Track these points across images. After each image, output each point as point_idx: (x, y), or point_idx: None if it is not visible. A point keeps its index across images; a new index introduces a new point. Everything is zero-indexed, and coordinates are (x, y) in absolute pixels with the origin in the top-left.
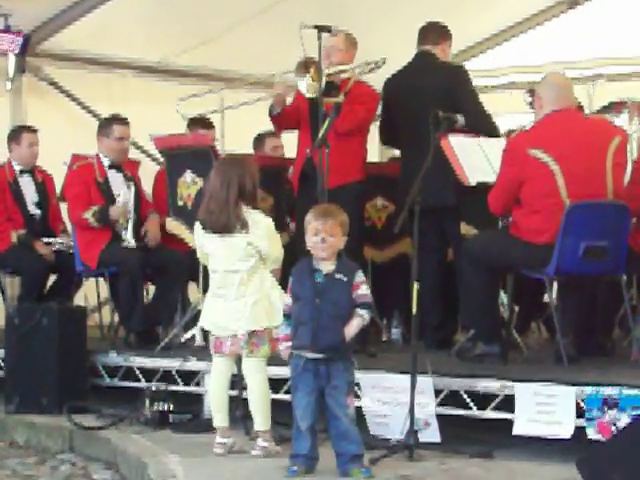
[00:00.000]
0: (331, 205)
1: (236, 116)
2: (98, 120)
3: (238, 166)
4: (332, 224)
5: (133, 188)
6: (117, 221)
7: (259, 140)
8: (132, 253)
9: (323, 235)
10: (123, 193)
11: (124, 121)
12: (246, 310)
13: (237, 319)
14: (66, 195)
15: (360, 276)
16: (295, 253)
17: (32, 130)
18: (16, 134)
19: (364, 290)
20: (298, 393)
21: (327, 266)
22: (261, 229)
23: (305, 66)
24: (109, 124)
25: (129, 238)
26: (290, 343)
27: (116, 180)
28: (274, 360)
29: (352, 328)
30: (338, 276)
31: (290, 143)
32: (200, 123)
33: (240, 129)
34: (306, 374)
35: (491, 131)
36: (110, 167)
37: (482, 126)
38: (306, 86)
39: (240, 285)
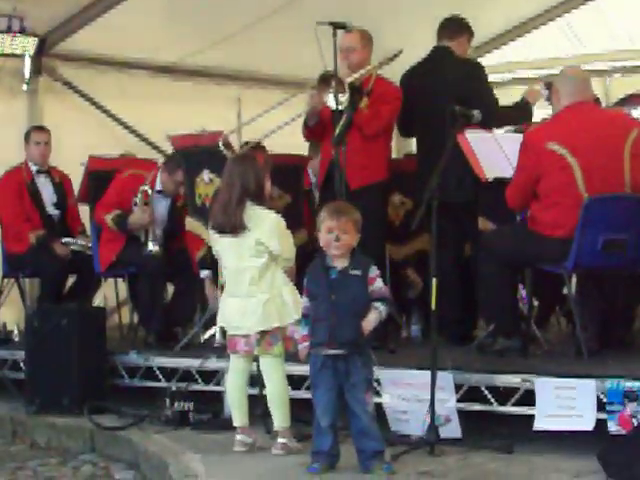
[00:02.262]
0: (344, 203)
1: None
2: (113, 119)
3: (240, 165)
4: (345, 221)
5: (169, 201)
6: (134, 229)
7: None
8: (152, 254)
9: (337, 233)
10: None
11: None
12: (258, 309)
13: (249, 318)
14: (105, 194)
15: (374, 270)
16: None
17: (39, 128)
18: (27, 135)
19: (379, 284)
20: (318, 390)
21: (341, 262)
22: (269, 226)
23: (326, 81)
24: (176, 167)
25: (151, 247)
26: (308, 343)
27: (161, 204)
28: (294, 358)
29: (370, 322)
30: (352, 272)
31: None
32: (258, 149)
33: (258, 129)
34: (325, 371)
35: (519, 122)
36: (159, 192)
37: (498, 121)
38: (332, 99)
39: (251, 284)
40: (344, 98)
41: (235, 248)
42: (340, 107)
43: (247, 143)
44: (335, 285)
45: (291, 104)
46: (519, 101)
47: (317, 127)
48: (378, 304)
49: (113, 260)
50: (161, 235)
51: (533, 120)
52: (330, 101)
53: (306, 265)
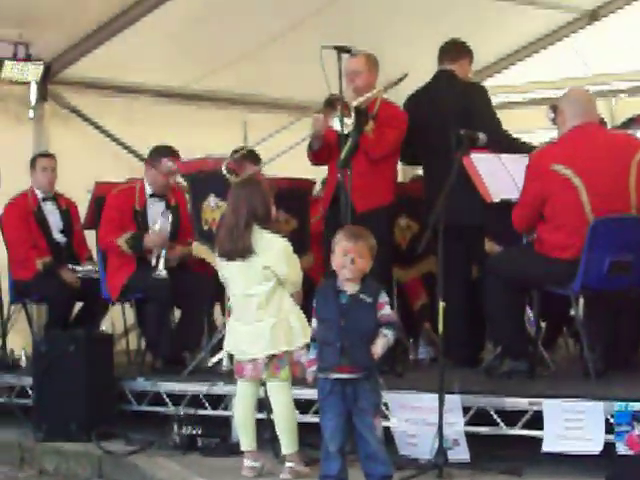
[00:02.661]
0: (361, 227)
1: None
2: (118, 144)
3: (246, 189)
4: (362, 246)
5: (170, 217)
6: (151, 250)
7: None
8: (160, 279)
9: (352, 256)
10: (160, 222)
11: (175, 154)
12: (265, 334)
13: (256, 343)
14: (102, 217)
15: (384, 297)
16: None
17: (46, 155)
18: (32, 161)
19: (388, 310)
20: (326, 415)
21: (352, 287)
22: (277, 251)
23: (331, 105)
24: (159, 156)
25: (161, 268)
26: (315, 367)
27: (157, 208)
28: (302, 382)
29: (378, 348)
30: (362, 297)
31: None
32: (248, 157)
33: (264, 152)
34: (333, 396)
35: (512, 149)
36: (151, 196)
37: (502, 145)
38: (338, 122)
39: (258, 309)
40: (350, 121)
41: (243, 273)
42: (346, 130)
43: (237, 152)
44: (345, 310)
45: (297, 128)
46: (525, 144)
47: (322, 151)
48: (386, 330)
49: (123, 287)
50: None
51: (539, 141)
52: (336, 125)
53: (313, 290)
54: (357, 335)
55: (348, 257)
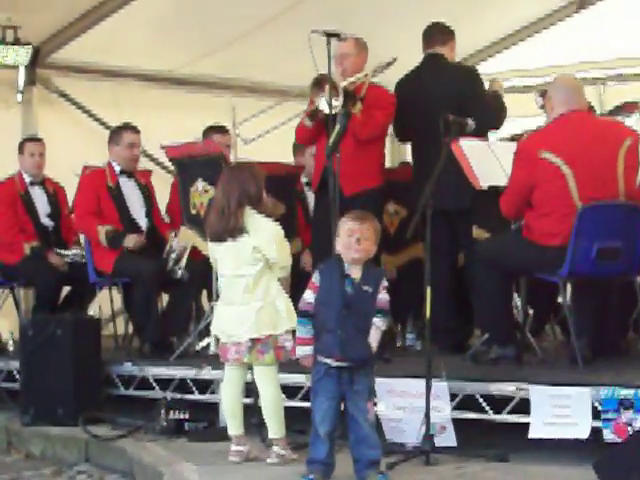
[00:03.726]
0: (366, 212)
1: (248, 125)
2: (109, 130)
3: (239, 172)
4: (368, 227)
5: (133, 180)
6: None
7: (298, 146)
8: (147, 263)
9: (358, 236)
10: (177, 242)
11: (134, 129)
12: (250, 316)
13: (241, 326)
14: (76, 201)
15: (384, 282)
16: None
17: (34, 139)
18: (20, 146)
19: (384, 295)
20: (318, 398)
21: (356, 273)
22: (267, 234)
23: (319, 84)
24: (119, 132)
25: (181, 266)
26: (311, 347)
27: (128, 187)
28: (290, 367)
29: (373, 342)
30: (365, 288)
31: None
32: (215, 130)
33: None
34: (328, 379)
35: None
36: (121, 174)
37: (492, 127)
38: (325, 103)
39: (245, 292)
40: (337, 102)
41: (232, 254)
42: (333, 111)
43: (212, 128)
44: (349, 301)
45: (282, 111)
46: (492, 97)
47: (312, 130)
48: (378, 320)
49: (114, 263)
50: (148, 223)
51: (527, 128)
52: (323, 105)
53: (300, 276)
54: (357, 326)
55: (354, 237)
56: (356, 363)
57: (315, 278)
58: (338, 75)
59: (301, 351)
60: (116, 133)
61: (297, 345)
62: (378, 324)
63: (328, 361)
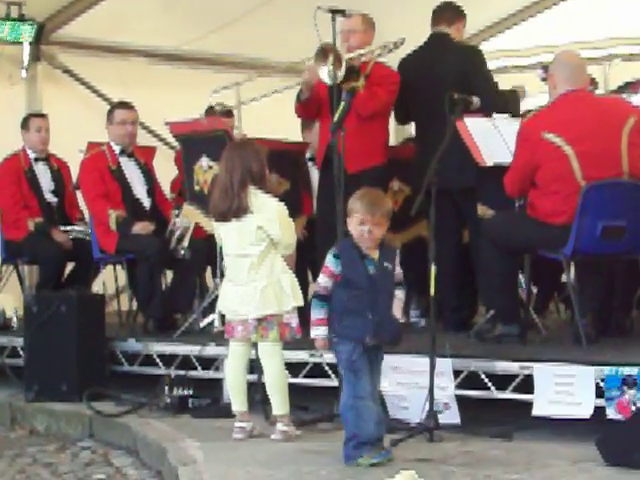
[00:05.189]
0: (377, 192)
1: (253, 104)
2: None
3: (241, 149)
4: (380, 216)
5: (133, 160)
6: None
7: (306, 123)
8: (150, 240)
9: (370, 226)
10: (180, 221)
11: (126, 105)
12: (256, 295)
13: (247, 304)
14: (81, 184)
15: (397, 256)
16: (314, 237)
17: (39, 115)
18: (25, 121)
19: (398, 269)
20: (363, 377)
21: (374, 253)
22: (271, 212)
23: (324, 53)
24: (112, 110)
25: (184, 246)
26: (326, 328)
27: (128, 167)
28: (294, 344)
29: (397, 313)
30: (386, 265)
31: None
32: (219, 111)
33: (257, 117)
34: (364, 357)
35: (507, 110)
36: (121, 154)
37: (497, 107)
38: (327, 73)
39: (250, 270)
40: (339, 74)
41: (236, 234)
42: (331, 82)
43: (212, 108)
44: (374, 280)
45: (290, 91)
46: (508, 90)
47: (310, 103)
48: (397, 291)
49: (117, 241)
50: (150, 202)
51: (530, 107)
52: (323, 74)
53: (304, 251)
54: (386, 305)
55: (365, 228)
56: (395, 341)
57: (330, 262)
58: (343, 50)
59: (320, 331)
60: (110, 112)
61: (315, 325)
62: (400, 296)
63: (365, 341)
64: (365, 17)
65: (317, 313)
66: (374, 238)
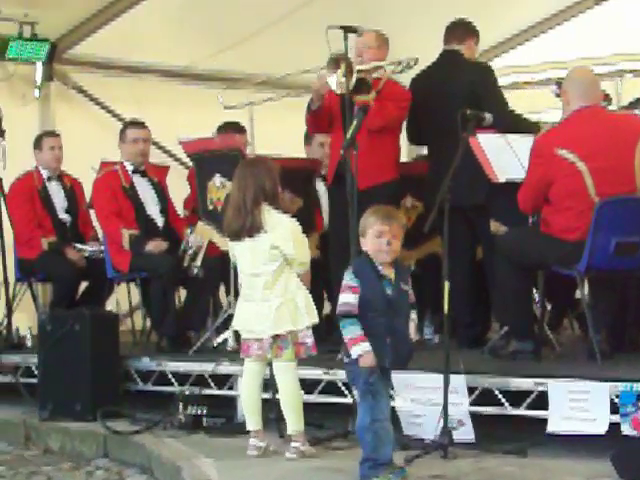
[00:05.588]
0: (390, 207)
1: (266, 119)
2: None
3: (254, 167)
4: (396, 227)
5: (147, 178)
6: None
7: (308, 137)
8: (164, 258)
9: (388, 238)
10: (193, 239)
11: (138, 124)
12: (271, 314)
13: (262, 322)
14: (94, 203)
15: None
16: (327, 254)
17: (52, 134)
18: (38, 141)
19: (410, 289)
20: (382, 397)
21: (389, 272)
22: (285, 230)
23: (336, 62)
24: (124, 129)
25: (197, 264)
26: (368, 342)
27: (142, 185)
28: (308, 362)
29: (413, 335)
30: (403, 286)
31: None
32: (232, 127)
33: (270, 133)
34: (381, 380)
35: (519, 129)
36: (134, 172)
37: (508, 125)
38: (336, 82)
39: (265, 288)
40: (350, 84)
41: (250, 252)
42: (340, 90)
43: (227, 124)
44: (392, 303)
45: (301, 107)
46: (533, 123)
47: (321, 114)
48: (412, 314)
49: (131, 259)
50: (163, 220)
51: (544, 123)
52: (332, 82)
53: (320, 270)
54: (403, 327)
55: (384, 240)
56: (405, 363)
57: (352, 280)
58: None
59: (363, 346)
60: (122, 131)
61: (357, 343)
62: (413, 317)
63: (383, 364)
64: (379, 34)
65: (354, 330)
66: (394, 250)
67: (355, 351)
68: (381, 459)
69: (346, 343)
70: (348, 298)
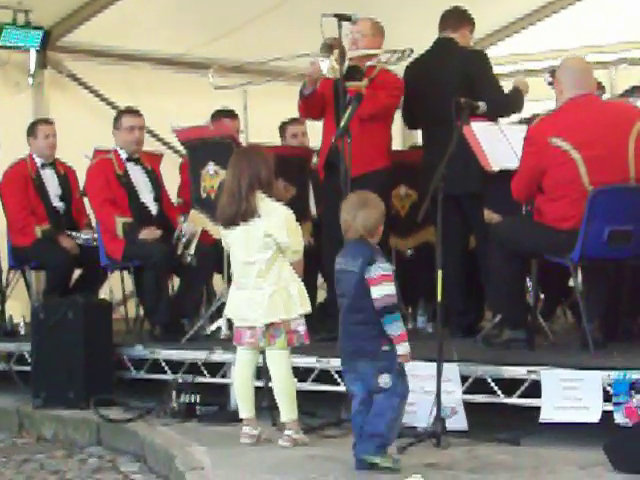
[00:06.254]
0: (363, 195)
1: (260, 108)
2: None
3: (249, 155)
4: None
5: (140, 165)
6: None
7: (282, 128)
8: (157, 246)
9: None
10: (187, 227)
11: (134, 112)
12: (263, 302)
13: (255, 310)
14: (88, 190)
15: None
16: (320, 242)
17: (47, 122)
18: (32, 128)
19: None
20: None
21: None
22: (279, 218)
23: (330, 47)
24: (119, 116)
25: (191, 252)
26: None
27: (135, 172)
28: (301, 350)
29: None
30: None
31: (315, 132)
32: (224, 114)
33: (264, 121)
34: None
35: (514, 111)
36: (128, 160)
37: (503, 111)
38: (328, 67)
39: (258, 277)
40: (343, 69)
41: (244, 240)
42: (332, 75)
43: (220, 112)
44: None
45: (295, 95)
46: (511, 90)
47: (312, 99)
48: None
49: (124, 247)
50: (157, 208)
51: (537, 112)
52: (324, 66)
53: (313, 258)
54: None
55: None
56: None
57: (389, 268)
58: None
59: (407, 345)
60: (117, 118)
61: (403, 342)
62: None
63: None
64: (374, 22)
65: (401, 327)
66: None
67: (404, 348)
68: (390, 442)
69: (393, 337)
70: (392, 289)
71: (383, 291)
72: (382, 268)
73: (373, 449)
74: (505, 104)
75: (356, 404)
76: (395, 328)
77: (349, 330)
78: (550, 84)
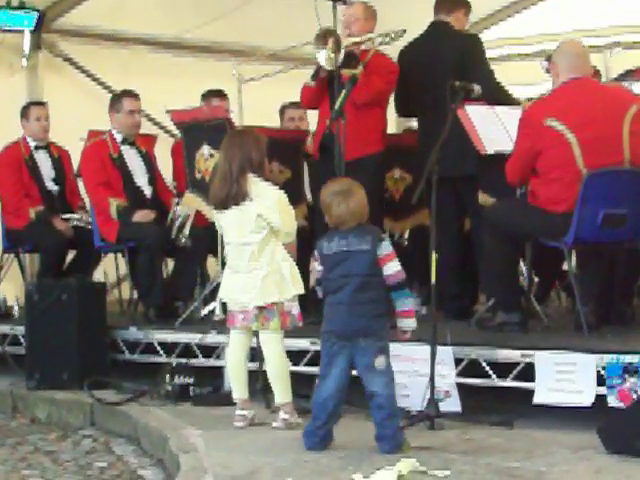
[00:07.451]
0: (345, 182)
1: (254, 91)
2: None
3: (241, 137)
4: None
5: (136, 149)
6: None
7: (281, 111)
8: (151, 228)
9: None
10: (181, 209)
11: (134, 95)
12: (256, 283)
13: (248, 292)
14: (82, 172)
15: None
16: (313, 225)
17: (39, 103)
18: (25, 110)
19: None
20: None
21: None
22: (271, 200)
23: (324, 37)
24: (119, 99)
25: (185, 234)
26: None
27: (130, 155)
28: (295, 332)
29: None
30: None
31: (314, 117)
32: (214, 94)
33: (258, 104)
34: None
35: (504, 101)
36: (123, 142)
37: (494, 96)
38: (325, 58)
39: (251, 258)
40: (338, 59)
41: (237, 222)
42: (329, 66)
43: (210, 92)
44: None
45: (289, 79)
46: (507, 91)
47: (320, 88)
48: None
49: (118, 229)
50: (152, 190)
51: (531, 96)
52: (321, 58)
53: (307, 240)
54: None
55: None
56: None
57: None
58: (344, 37)
59: (412, 321)
60: (116, 100)
61: (411, 317)
62: None
63: None
64: (367, 6)
65: (409, 303)
66: None
67: (407, 324)
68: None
69: (401, 312)
70: (397, 265)
71: (395, 267)
72: (389, 246)
73: (395, 430)
74: (494, 92)
75: (332, 388)
76: (407, 303)
77: (355, 310)
78: (547, 71)
